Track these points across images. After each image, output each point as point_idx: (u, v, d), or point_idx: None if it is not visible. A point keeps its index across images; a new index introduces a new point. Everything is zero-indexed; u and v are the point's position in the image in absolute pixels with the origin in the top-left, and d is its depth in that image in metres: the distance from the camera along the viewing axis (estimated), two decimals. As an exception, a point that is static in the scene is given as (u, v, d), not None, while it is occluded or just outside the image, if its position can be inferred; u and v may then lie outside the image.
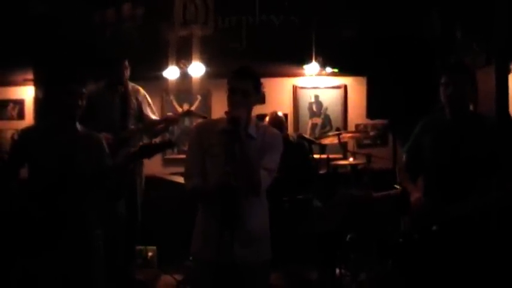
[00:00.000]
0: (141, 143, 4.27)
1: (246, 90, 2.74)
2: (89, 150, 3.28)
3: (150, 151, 3.25)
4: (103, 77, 4.90)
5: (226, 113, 2.70)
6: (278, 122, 5.02)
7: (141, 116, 4.92)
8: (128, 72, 4.86)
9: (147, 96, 5.03)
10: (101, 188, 3.35)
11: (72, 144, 3.23)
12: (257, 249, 2.85)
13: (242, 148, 2.65)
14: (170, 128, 5.28)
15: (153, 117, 4.99)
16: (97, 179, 3.25)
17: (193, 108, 6.25)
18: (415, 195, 3.24)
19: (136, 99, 4.91)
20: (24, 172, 3.31)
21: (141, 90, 4.99)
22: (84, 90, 3.26)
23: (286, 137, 4.94)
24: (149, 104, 5.02)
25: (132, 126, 4.84)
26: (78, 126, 3.31)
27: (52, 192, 3.13)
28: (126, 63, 4.84)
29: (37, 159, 3.22)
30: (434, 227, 3.08)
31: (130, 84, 4.92)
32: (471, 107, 3.36)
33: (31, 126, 3.72)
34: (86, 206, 3.28)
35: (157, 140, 4.93)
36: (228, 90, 2.77)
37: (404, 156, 3.51)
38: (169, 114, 5.19)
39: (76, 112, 3.25)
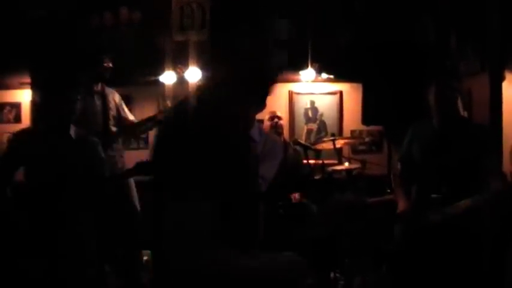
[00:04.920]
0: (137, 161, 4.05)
1: None
2: (83, 154, 3.28)
3: (147, 168, 3.25)
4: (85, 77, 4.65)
5: None
6: (276, 127, 5.06)
7: (120, 118, 4.78)
8: (108, 72, 4.65)
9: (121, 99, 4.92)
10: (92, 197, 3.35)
11: (66, 148, 3.24)
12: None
13: None
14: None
15: (131, 118, 4.87)
16: (90, 187, 3.25)
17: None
18: (403, 203, 3.27)
19: (114, 100, 4.77)
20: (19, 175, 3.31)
21: (116, 93, 4.83)
22: (78, 96, 3.27)
23: (285, 141, 4.96)
24: (125, 106, 4.89)
25: (113, 128, 4.70)
26: (73, 130, 3.31)
27: (45, 195, 3.13)
28: (107, 61, 4.63)
29: (31, 162, 3.22)
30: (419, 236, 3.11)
31: (106, 88, 4.74)
32: (465, 114, 3.39)
33: (25, 129, 3.69)
34: (81, 209, 3.27)
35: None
36: None
37: (399, 165, 3.53)
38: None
39: (71, 119, 3.27)
